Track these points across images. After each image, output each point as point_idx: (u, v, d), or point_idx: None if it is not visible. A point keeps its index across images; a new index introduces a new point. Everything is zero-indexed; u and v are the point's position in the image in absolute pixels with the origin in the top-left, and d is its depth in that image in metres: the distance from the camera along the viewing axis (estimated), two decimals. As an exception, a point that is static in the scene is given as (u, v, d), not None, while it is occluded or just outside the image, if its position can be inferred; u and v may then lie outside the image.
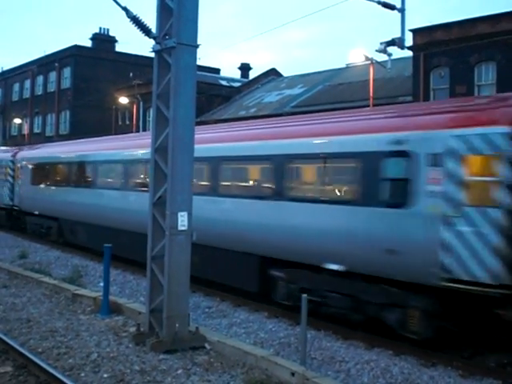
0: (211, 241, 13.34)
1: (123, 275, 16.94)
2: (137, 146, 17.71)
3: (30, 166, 26.24)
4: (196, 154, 9.96)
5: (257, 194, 13.01)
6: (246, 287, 13.43)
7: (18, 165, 27.52)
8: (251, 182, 14.00)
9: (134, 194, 17.04)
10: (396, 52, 36.91)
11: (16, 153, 28.73)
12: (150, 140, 10.15)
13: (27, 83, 64.09)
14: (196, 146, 9.90)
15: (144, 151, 15.11)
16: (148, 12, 10.74)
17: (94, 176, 20.34)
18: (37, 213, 24.67)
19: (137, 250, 13.48)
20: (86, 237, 20.92)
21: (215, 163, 13.94)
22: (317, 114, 14.98)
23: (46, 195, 24.09)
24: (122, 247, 16.00)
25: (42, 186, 24.67)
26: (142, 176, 17.32)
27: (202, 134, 13.14)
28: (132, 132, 42.16)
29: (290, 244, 11.69)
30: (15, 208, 27.44)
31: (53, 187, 23.77)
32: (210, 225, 13.26)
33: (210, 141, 14.37)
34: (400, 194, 9.85)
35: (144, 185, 15.98)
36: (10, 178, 28.17)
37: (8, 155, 29.56)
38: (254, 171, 13.97)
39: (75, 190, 21.37)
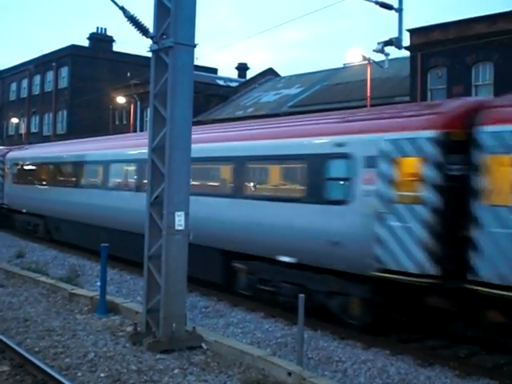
0: None
1: (120, 275, 16.95)
2: None
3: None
4: None
5: None
6: None
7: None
8: None
9: None
10: (393, 52, 36.90)
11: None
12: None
13: (24, 83, 63.96)
14: None
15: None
16: (145, 11, 10.73)
17: None
18: None
19: None
20: None
21: None
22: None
23: None
24: None
25: None
26: None
27: None
28: (129, 132, 42.03)
29: None
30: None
31: None
32: None
33: None
34: None
35: None
36: None
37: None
38: None
39: None
